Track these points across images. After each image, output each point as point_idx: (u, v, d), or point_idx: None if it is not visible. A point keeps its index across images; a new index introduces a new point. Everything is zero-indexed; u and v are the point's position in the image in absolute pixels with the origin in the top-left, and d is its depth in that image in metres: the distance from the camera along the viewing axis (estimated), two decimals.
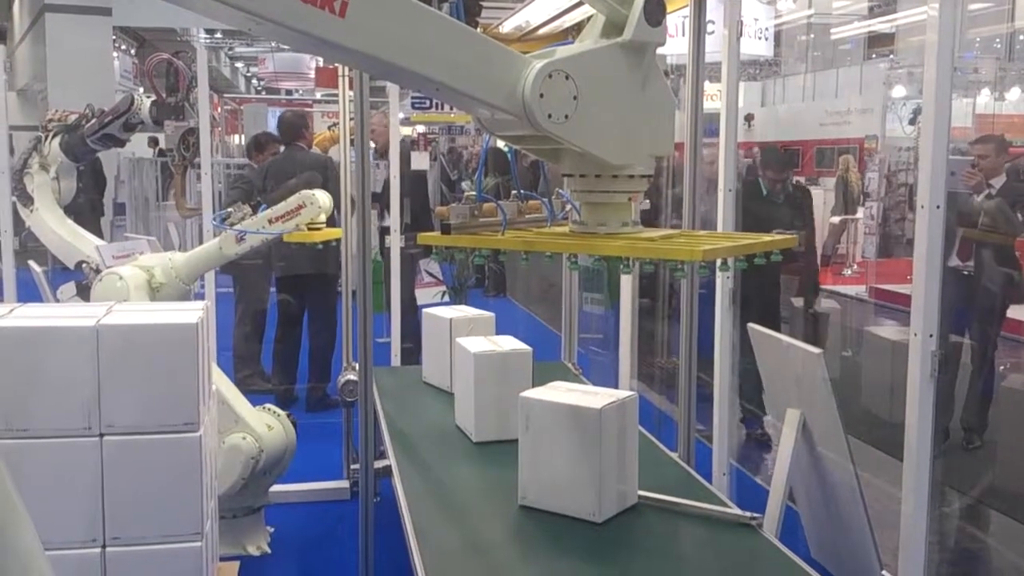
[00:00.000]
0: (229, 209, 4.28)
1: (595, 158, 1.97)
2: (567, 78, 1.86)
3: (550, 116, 1.85)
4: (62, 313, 3.16)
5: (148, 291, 4.11)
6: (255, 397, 4.62)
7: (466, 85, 1.83)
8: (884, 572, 3.49)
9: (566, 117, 1.86)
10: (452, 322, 4.11)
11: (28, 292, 4.66)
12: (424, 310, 4.49)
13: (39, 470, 2.79)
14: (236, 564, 3.79)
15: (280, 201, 4.30)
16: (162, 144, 13.95)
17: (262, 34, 1.81)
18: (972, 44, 15.46)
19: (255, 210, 4.26)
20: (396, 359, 5.59)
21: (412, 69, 1.77)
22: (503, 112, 1.88)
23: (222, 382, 4.14)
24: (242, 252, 4.21)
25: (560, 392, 2.83)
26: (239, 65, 35.96)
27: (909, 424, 2.80)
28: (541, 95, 1.83)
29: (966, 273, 5.96)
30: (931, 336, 2.71)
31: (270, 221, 4.15)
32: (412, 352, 6.26)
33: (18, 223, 4.86)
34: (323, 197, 4.21)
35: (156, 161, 12.90)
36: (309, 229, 4.18)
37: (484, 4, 2.08)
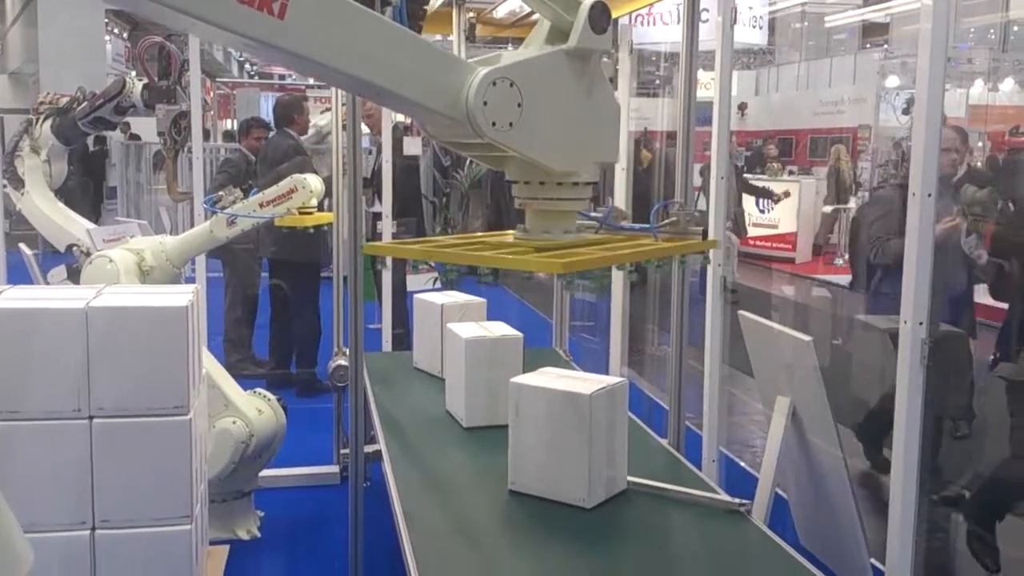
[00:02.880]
0: (220, 192, 4.27)
1: (540, 166, 1.95)
2: (511, 85, 1.84)
3: (494, 124, 1.82)
4: (52, 295, 3.15)
5: (138, 274, 4.11)
6: (246, 382, 4.61)
7: (408, 91, 1.80)
8: (872, 559, 3.51)
9: (510, 125, 1.84)
10: (443, 308, 4.11)
11: (18, 275, 4.64)
12: (415, 295, 4.49)
13: (28, 452, 2.79)
14: (226, 548, 3.81)
15: (270, 186, 4.29)
16: (133, 129, 13.90)
17: (200, 35, 1.78)
18: (966, 34, 15.46)
19: (246, 194, 4.26)
20: (387, 345, 5.59)
21: (353, 73, 1.74)
22: (447, 118, 1.86)
23: (212, 366, 4.14)
24: (233, 235, 4.21)
25: (550, 378, 2.84)
26: (231, 49, 35.81)
27: (899, 412, 2.81)
28: (485, 102, 1.81)
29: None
30: (921, 324, 2.71)
31: (261, 205, 4.14)
32: (403, 338, 6.27)
33: (8, 206, 4.84)
34: (314, 181, 4.20)
35: (128, 145, 12.88)
36: (300, 213, 4.18)
37: None
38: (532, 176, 2.03)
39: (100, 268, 4.07)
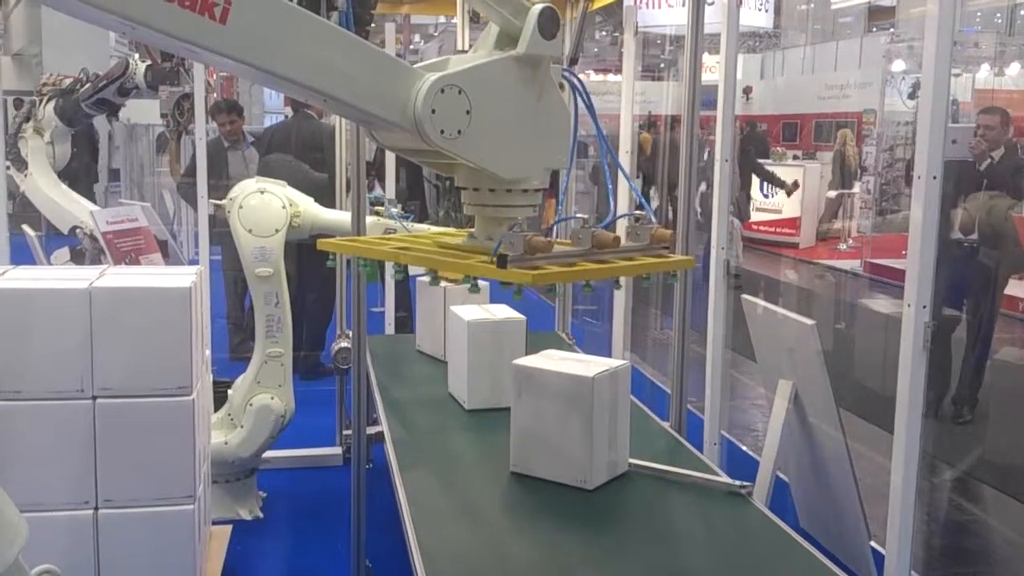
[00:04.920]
0: (382, 197, 4.30)
1: (489, 173, 1.93)
2: (460, 92, 1.81)
3: (443, 132, 1.79)
4: (55, 275, 3.15)
5: (288, 226, 4.16)
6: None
7: (356, 98, 1.77)
8: (872, 543, 3.52)
9: (459, 132, 1.81)
10: (446, 290, 4.11)
11: (22, 257, 4.64)
12: (418, 278, 4.48)
13: (32, 432, 2.80)
14: (229, 528, 3.82)
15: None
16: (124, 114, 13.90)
17: (140, 38, 1.72)
18: (973, 18, 15.37)
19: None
20: (390, 328, 5.59)
21: (298, 80, 1.71)
22: (395, 126, 1.83)
23: (287, 347, 4.25)
24: None
25: (553, 360, 2.83)
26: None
27: (900, 395, 2.81)
28: (433, 110, 1.78)
29: (967, 246, 5.98)
30: (924, 307, 2.71)
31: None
32: (406, 321, 6.27)
33: (12, 188, 4.84)
34: None
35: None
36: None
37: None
38: (481, 183, 2.00)
39: (268, 204, 4.11)
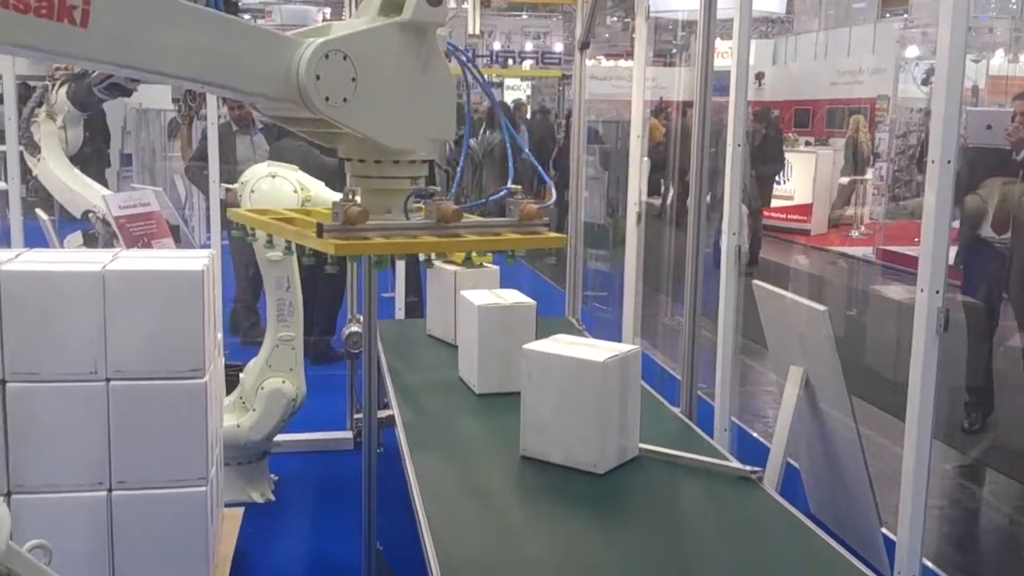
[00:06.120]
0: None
1: (374, 142, 1.90)
2: (345, 58, 1.78)
3: (327, 99, 1.76)
4: (69, 258, 3.17)
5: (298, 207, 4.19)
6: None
7: (235, 81, 1.73)
8: (883, 529, 3.52)
9: (344, 100, 1.78)
10: (456, 275, 4.11)
11: (35, 241, 4.65)
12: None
13: (46, 414, 2.82)
14: (240, 510, 3.84)
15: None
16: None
17: (10, 53, 1.63)
18: (987, 4, 15.25)
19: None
20: (400, 312, 5.60)
21: (172, 73, 1.66)
22: (279, 99, 1.79)
23: (298, 331, 4.29)
24: None
25: (563, 345, 2.84)
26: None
27: (912, 381, 2.80)
28: (318, 76, 1.75)
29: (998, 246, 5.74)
30: (937, 292, 2.70)
31: None
32: (416, 306, 6.28)
33: (25, 172, 4.85)
34: None
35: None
36: None
37: None
38: (366, 154, 1.97)
39: (280, 188, 4.12)
